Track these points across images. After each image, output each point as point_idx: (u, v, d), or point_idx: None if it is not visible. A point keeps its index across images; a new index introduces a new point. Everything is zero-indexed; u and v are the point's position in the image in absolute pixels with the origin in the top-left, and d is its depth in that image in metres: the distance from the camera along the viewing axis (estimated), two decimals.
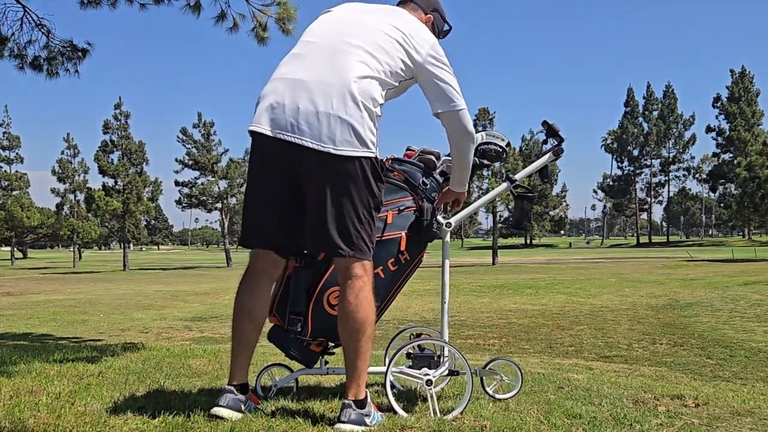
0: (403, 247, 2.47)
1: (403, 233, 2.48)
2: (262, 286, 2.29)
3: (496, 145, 2.69)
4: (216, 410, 2.13)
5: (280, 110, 2.08)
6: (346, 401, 2.13)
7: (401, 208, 2.51)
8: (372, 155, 2.09)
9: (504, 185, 2.71)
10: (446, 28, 2.55)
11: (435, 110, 2.25)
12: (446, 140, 2.36)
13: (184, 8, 6.33)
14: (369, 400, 2.20)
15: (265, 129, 2.09)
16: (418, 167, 2.57)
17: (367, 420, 2.13)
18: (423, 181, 2.55)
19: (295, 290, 2.45)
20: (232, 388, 2.21)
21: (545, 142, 2.71)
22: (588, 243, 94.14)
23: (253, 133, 2.14)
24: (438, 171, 2.63)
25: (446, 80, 2.23)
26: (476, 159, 2.68)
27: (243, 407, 2.20)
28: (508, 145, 2.72)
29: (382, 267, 2.46)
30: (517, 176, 2.69)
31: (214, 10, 6.42)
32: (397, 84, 2.21)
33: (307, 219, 2.16)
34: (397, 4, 2.47)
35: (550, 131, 2.67)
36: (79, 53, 6.84)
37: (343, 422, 2.08)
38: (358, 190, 2.10)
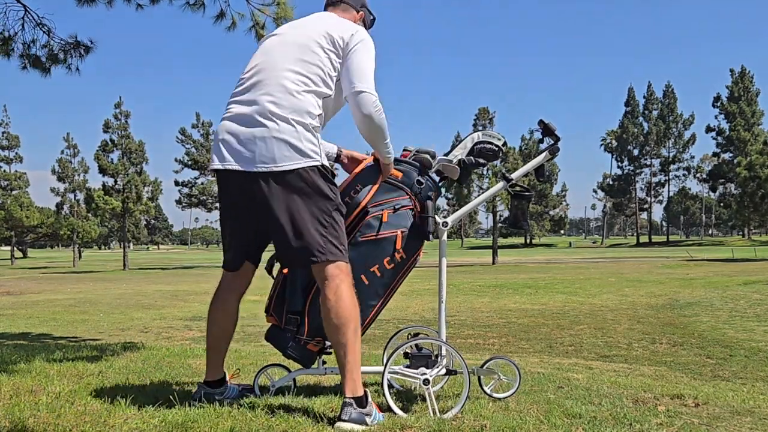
0: (398, 246, 2.48)
1: (399, 232, 2.48)
2: (229, 298, 2.51)
3: (492, 144, 2.69)
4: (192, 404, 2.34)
5: (227, 144, 2.26)
6: (347, 400, 2.16)
7: (397, 207, 2.51)
8: (315, 163, 2.22)
9: (500, 184, 2.71)
10: (371, 17, 2.68)
11: (343, 95, 2.33)
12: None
13: (183, 6, 6.34)
14: (370, 399, 2.22)
15: (217, 164, 2.28)
16: (414, 166, 2.57)
17: (368, 419, 2.15)
18: (419, 180, 2.55)
19: (292, 290, 2.45)
20: (204, 384, 2.50)
21: (541, 141, 2.71)
22: (594, 243, 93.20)
23: (213, 170, 2.34)
24: (434, 170, 2.64)
25: (353, 65, 2.28)
26: (472, 158, 2.68)
27: (217, 398, 2.43)
28: (505, 144, 2.72)
29: (378, 265, 2.47)
30: (513, 175, 2.69)
31: (214, 9, 6.44)
32: (332, 87, 2.31)
33: (274, 237, 2.29)
34: (326, 8, 2.59)
35: (546, 130, 2.68)
36: (82, 50, 6.85)
37: (344, 420, 2.11)
38: (311, 199, 2.22)
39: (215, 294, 2.51)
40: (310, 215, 2.21)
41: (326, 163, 2.26)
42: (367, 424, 2.14)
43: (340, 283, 2.22)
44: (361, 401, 2.18)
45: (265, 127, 2.19)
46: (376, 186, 2.51)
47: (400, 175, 2.55)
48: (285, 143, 2.18)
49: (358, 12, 2.57)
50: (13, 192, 52.65)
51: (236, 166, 2.22)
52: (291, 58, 2.29)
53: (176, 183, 47.58)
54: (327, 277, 2.23)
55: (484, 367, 2.70)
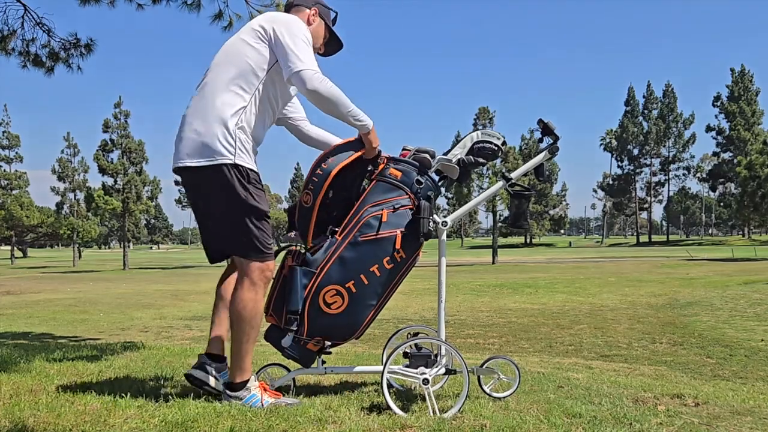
0: (398, 246, 2.47)
1: (399, 231, 2.48)
2: (231, 279, 2.64)
3: (491, 143, 2.69)
4: (187, 371, 2.60)
5: (175, 147, 2.46)
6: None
7: (396, 206, 2.51)
8: (227, 161, 2.32)
9: (500, 184, 2.70)
10: (333, 15, 2.74)
11: (285, 79, 2.40)
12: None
13: (181, 6, 6.35)
14: (249, 384, 2.41)
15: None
16: (414, 166, 2.57)
17: (238, 403, 2.37)
18: (418, 179, 2.55)
19: (291, 290, 2.45)
20: (205, 356, 2.60)
21: (541, 140, 2.70)
22: (598, 243, 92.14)
23: None
24: (433, 170, 2.63)
25: (285, 47, 2.35)
26: (472, 158, 2.68)
27: (213, 372, 2.55)
28: (504, 143, 2.72)
29: (378, 265, 2.46)
30: (513, 175, 2.69)
31: (213, 9, 6.45)
32: (261, 75, 2.39)
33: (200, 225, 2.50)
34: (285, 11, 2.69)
35: (546, 129, 2.67)
36: (83, 48, 6.86)
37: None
38: (220, 196, 2.34)
39: (222, 274, 2.69)
40: (221, 213, 2.36)
41: (242, 162, 2.34)
42: None
43: (239, 284, 2.39)
44: (234, 386, 2.39)
45: (186, 128, 2.39)
46: (353, 156, 2.51)
47: (399, 174, 2.55)
48: (200, 142, 2.33)
49: (310, 8, 2.64)
50: (14, 191, 52.67)
51: (174, 165, 2.44)
52: (218, 63, 2.45)
53: (176, 182, 47.49)
54: (239, 273, 2.42)
55: (484, 367, 2.70)
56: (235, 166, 2.33)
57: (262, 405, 2.35)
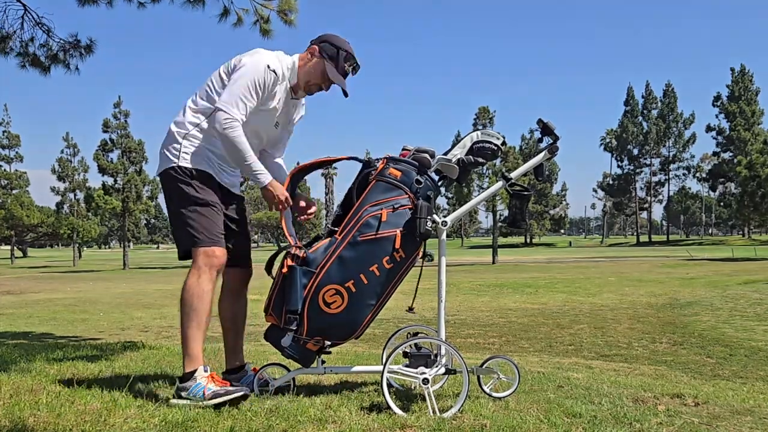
0: (398, 245, 2.47)
1: (398, 231, 2.48)
2: (229, 293, 2.82)
3: (491, 143, 2.69)
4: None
5: None
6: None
7: (396, 206, 2.51)
8: (173, 164, 2.56)
9: (499, 184, 2.70)
10: (353, 65, 2.72)
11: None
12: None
13: (184, 4, 6.32)
14: (197, 374, 2.43)
15: None
16: (413, 166, 2.57)
17: (183, 393, 2.41)
18: (417, 179, 2.55)
19: (291, 289, 2.45)
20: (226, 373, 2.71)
21: (540, 140, 2.71)
22: (602, 243, 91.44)
23: None
24: (433, 169, 2.64)
25: (228, 83, 2.54)
26: (471, 157, 2.68)
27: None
28: (504, 143, 2.72)
29: (378, 265, 2.46)
30: (512, 174, 2.69)
31: (215, 5, 6.43)
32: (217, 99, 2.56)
33: None
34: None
35: (545, 129, 2.67)
36: (82, 49, 6.85)
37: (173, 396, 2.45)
38: (172, 197, 2.57)
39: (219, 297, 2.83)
40: (173, 209, 2.57)
41: (186, 163, 2.53)
42: (182, 398, 2.39)
43: (190, 272, 2.50)
44: (183, 377, 2.44)
45: None
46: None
47: (398, 174, 2.55)
48: (161, 152, 2.62)
49: (312, 45, 2.71)
50: (14, 191, 52.73)
51: None
52: (197, 91, 2.66)
53: None
54: (192, 263, 2.55)
55: (484, 367, 2.70)
56: (179, 167, 2.55)
57: (204, 394, 2.36)
